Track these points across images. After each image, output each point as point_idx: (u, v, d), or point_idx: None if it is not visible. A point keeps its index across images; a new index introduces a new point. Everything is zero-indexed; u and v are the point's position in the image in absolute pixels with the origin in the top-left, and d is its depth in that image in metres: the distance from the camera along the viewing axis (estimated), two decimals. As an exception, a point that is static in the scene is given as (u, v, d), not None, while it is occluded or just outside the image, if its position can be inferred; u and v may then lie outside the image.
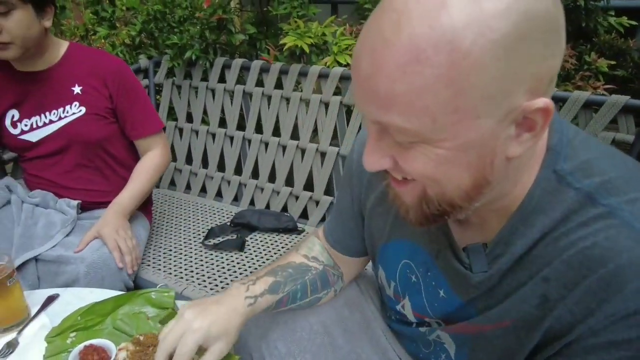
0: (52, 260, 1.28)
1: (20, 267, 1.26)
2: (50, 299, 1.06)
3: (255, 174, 2.03)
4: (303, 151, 1.90)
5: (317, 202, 1.90)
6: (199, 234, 1.79)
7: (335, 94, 1.80)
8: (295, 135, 1.92)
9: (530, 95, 0.48)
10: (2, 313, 0.95)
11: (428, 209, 0.57)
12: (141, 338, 0.87)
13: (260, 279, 0.85)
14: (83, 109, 1.40)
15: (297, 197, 1.95)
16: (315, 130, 1.89)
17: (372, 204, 0.84)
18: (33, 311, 1.02)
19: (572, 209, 0.55)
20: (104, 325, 0.93)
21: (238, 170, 2.08)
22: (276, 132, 1.97)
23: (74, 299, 1.07)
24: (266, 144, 1.98)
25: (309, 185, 1.92)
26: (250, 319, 0.93)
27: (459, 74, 0.44)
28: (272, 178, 2.00)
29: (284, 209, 1.98)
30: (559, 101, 1.44)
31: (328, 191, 1.88)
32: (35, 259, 1.29)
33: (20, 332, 0.96)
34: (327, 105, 1.81)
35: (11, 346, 0.92)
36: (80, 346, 0.86)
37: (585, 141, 0.60)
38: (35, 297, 1.06)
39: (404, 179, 0.57)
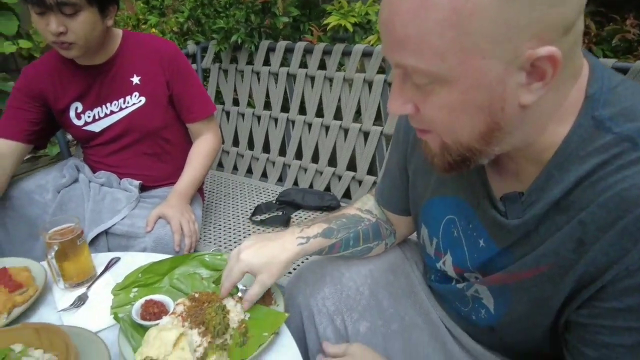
0: (121, 234, 1.37)
1: (92, 241, 1.36)
2: (113, 261, 1.15)
3: (299, 155, 2.07)
4: (346, 131, 1.91)
5: (360, 182, 1.91)
6: (247, 211, 1.85)
7: (379, 72, 1.79)
8: (338, 116, 1.94)
9: (538, 42, 0.49)
10: (73, 270, 1.03)
11: (450, 157, 0.61)
12: (196, 295, 0.93)
13: (315, 224, 0.91)
14: (143, 99, 1.47)
15: (340, 177, 1.96)
16: (358, 111, 1.90)
17: (416, 161, 0.85)
18: (98, 271, 1.11)
19: (611, 152, 0.55)
20: (162, 284, 1.00)
21: (282, 152, 2.12)
22: (319, 113, 1.99)
23: (133, 262, 1.15)
24: (309, 125, 2.01)
25: (351, 165, 1.93)
26: (300, 279, 0.98)
27: (462, 17, 0.48)
28: (315, 158, 2.03)
29: (327, 189, 2.01)
30: (621, 72, 1.37)
31: (371, 171, 1.89)
32: (106, 232, 1.38)
33: (89, 287, 1.05)
34: (370, 84, 1.81)
35: (82, 299, 1.00)
36: (142, 300, 0.92)
37: (631, 88, 0.59)
38: (99, 259, 1.15)
39: (424, 130, 0.61)
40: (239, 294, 0.96)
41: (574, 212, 0.58)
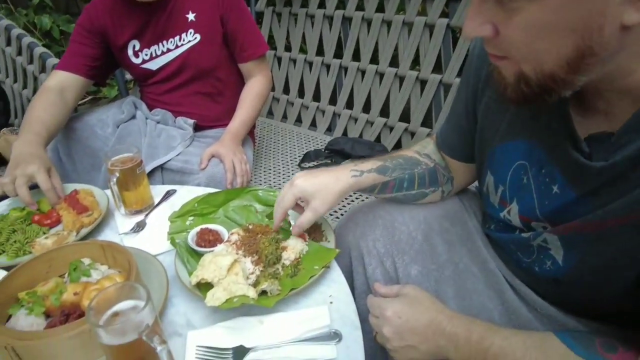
0: (176, 170, 1.42)
1: (148, 175, 1.40)
2: (170, 193, 1.18)
3: (349, 104, 2.02)
4: (402, 79, 1.83)
5: (413, 134, 1.84)
6: (295, 158, 1.84)
7: (441, 16, 1.67)
8: (394, 63, 1.85)
9: None
10: (133, 197, 1.08)
11: (527, 87, 0.55)
12: (250, 226, 0.94)
13: (370, 160, 0.88)
14: (198, 37, 1.46)
15: (391, 129, 1.90)
16: (416, 59, 1.80)
17: (487, 102, 0.79)
18: (156, 201, 1.15)
19: None
20: (217, 215, 1.02)
21: (333, 100, 2.08)
22: (374, 59, 1.91)
23: (189, 194, 1.18)
24: (363, 72, 1.93)
25: (405, 116, 1.86)
26: (350, 220, 0.96)
27: None
28: (366, 108, 1.98)
29: (377, 140, 1.96)
30: None
31: (426, 122, 1.81)
32: (161, 168, 1.43)
33: (147, 215, 1.09)
34: (431, 28, 1.70)
35: (141, 225, 1.05)
36: (197, 228, 0.95)
37: None
38: (157, 191, 1.19)
39: (500, 56, 0.55)
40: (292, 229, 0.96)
41: None
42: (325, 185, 0.84)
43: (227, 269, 0.80)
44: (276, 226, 0.89)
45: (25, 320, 0.72)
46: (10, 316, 0.75)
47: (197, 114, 1.58)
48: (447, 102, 1.71)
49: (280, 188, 1.59)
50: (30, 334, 0.67)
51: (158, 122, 1.56)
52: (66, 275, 0.84)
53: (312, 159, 1.80)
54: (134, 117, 1.55)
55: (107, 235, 1.04)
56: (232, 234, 0.92)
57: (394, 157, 0.91)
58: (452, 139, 0.92)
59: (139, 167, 1.06)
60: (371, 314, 0.76)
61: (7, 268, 0.89)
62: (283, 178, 1.70)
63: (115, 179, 1.01)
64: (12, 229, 1.01)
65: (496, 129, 0.78)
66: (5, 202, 1.13)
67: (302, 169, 1.75)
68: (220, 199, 1.03)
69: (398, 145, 1.89)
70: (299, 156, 1.85)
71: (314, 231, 0.95)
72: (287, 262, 0.85)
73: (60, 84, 1.40)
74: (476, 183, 1.08)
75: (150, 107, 1.61)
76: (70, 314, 0.74)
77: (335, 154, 1.83)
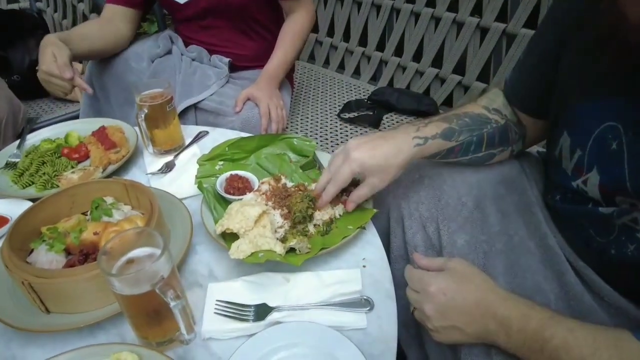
0: (210, 110, 1.35)
1: (181, 114, 1.35)
2: (201, 134, 1.12)
3: (399, 51, 1.85)
4: (460, 26, 1.63)
5: (467, 89, 1.67)
6: (335, 107, 1.73)
7: (515, -49, 1.45)
8: (453, 8, 1.65)
9: None
10: (162, 136, 1.02)
11: None
12: (282, 177, 0.87)
13: (433, 122, 0.77)
14: None
15: (443, 81, 1.74)
16: (478, 5, 1.59)
17: (577, 48, 0.65)
18: (187, 141, 1.09)
19: None
20: (249, 161, 0.95)
21: (381, 46, 1.91)
22: (430, 3, 1.71)
23: (221, 137, 1.11)
24: (417, 16, 1.75)
25: (459, 68, 1.69)
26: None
27: None
28: (417, 57, 1.80)
29: (426, 92, 1.80)
30: None
31: (482, 77, 1.63)
32: (195, 107, 1.37)
33: (176, 156, 1.04)
34: (501, -33, 1.48)
35: (169, 166, 1.00)
36: (227, 174, 0.88)
37: None
38: (189, 131, 1.13)
39: None
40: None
41: None
42: (385, 159, 0.74)
43: (255, 221, 0.74)
44: (324, 203, 0.78)
45: (46, 256, 0.69)
46: (32, 250, 0.73)
47: (232, 53, 1.49)
48: (508, 55, 1.52)
49: (316, 137, 1.51)
50: (48, 272, 0.64)
51: (193, 60, 1.48)
52: (89, 213, 0.80)
53: (352, 110, 1.68)
54: (169, 52, 1.47)
55: (135, 174, 1.00)
56: (262, 183, 0.86)
57: (460, 115, 0.79)
58: (524, 90, 0.79)
59: (169, 103, 0.99)
60: (409, 288, 0.68)
61: (34, 200, 0.87)
62: (320, 127, 1.61)
63: (143, 115, 0.95)
64: (42, 160, 0.98)
65: (582, 82, 0.65)
66: (37, 133, 1.11)
67: (342, 119, 1.64)
68: (253, 144, 0.95)
69: (449, 100, 1.73)
70: (339, 105, 1.73)
71: (350, 187, 0.86)
72: (320, 223, 0.78)
73: (108, 14, 1.38)
74: (537, 147, 0.95)
75: (186, 44, 1.53)
76: (90, 253, 0.70)
77: (378, 106, 1.70)
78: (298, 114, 1.68)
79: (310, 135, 1.55)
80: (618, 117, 0.59)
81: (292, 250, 0.73)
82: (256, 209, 0.74)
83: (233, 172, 0.88)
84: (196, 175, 0.89)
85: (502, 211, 0.80)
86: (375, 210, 0.80)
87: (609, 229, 0.64)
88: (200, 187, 0.84)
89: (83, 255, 0.70)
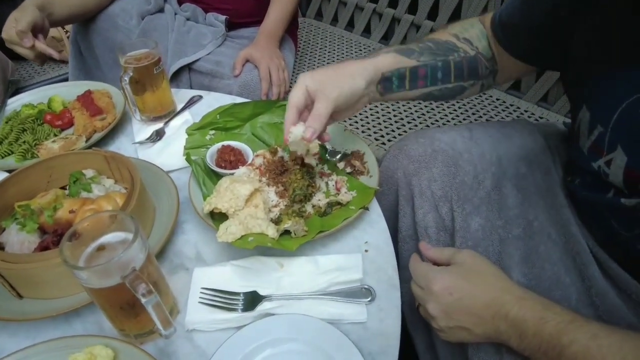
0: (205, 72, 1.25)
1: (174, 75, 1.26)
2: (194, 99, 1.03)
3: (412, 8, 1.70)
4: (482, -21, 1.48)
5: (486, 49, 1.54)
6: (342, 69, 1.61)
7: None
8: (475, -43, 1.49)
9: None
10: (151, 102, 0.94)
11: None
12: (279, 149, 0.79)
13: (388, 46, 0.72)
14: None
15: (460, 41, 1.60)
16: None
17: (600, 12, 0.54)
18: (178, 107, 1.00)
19: None
20: (243, 130, 0.86)
21: (393, 3, 1.76)
22: (450, -49, 1.54)
23: (217, 103, 1.02)
24: (435, -32, 1.59)
25: (479, 27, 1.54)
26: (402, 152, 0.78)
27: None
28: (432, 15, 1.66)
29: (441, 54, 1.67)
30: None
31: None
32: (189, 68, 1.27)
33: (166, 123, 0.96)
34: None
35: (159, 134, 0.92)
36: (219, 145, 0.81)
37: None
38: (181, 95, 1.04)
39: None
40: (329, 157, 0.80)
41: None
42: (334, 70, 0.68)
43: (246, 200, 0.67)
44: (286, 131, 0.68)
45: (17, 237, 0.64)
46: (4, 228, 0.67)
47: (229, 9, 1.37)
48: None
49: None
50: (16, 257, 0.58)
51: (188, 19, 1.36)
52: (68, 187, 0.74)
53: (361, 72, 1.57)
54: (161, 10, 1.36)
55: (122, 143, 0.92)
56: (257, 155, 0.78)
57: (422, 40, 0.73)
58: (513, 31, 0.70)
59: (157, 65, 0.90)
60: (414, 282, 0.61)
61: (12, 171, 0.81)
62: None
63: (127, 78, 0.87)
64: (22, 127, 0.91)
65: (607, 48, 0.55)
66: (18, 97, 1.03)
67: (350, 82, 1.53)
68: (248, 111, 0.86)
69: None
70: (347, 67, 1.61)
71: (354, 160, 0.78)
72: (321, 204, 0.70)
73: None
74: (564, 117, 0.85)
75: (180, 2, 1.41)
76: (64, 233, 0.64)
77: (389, 68, 1.57)
78: (303, 76, 1.57)
79: (315, 100, 1.45)
80: None
81: (286, 232, 0.66)
82: (247, 186, 0.67)
83: (225, 143, 0.80)
84: (184, 146, 0.81)
85: (523, 192, 0.71)
86: (377, 188, 0.72)
87: (634, 223, 0.55)
88: (188, 160, 0.77)
89: (58, 236, 0.64)
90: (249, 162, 0.77)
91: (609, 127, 0.55)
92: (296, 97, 0.68)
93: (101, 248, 0.52)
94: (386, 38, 1.83)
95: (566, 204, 0.70)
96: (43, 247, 0.63)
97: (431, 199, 0.73)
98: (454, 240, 0.71)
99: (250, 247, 0.60)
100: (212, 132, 0.84)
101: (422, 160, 0.76)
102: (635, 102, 0.52)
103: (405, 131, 1.29)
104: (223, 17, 1.33)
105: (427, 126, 1.31)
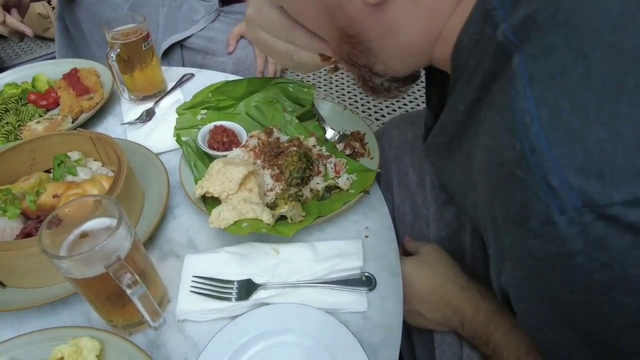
0: (198, 49, 1.20)
1: (166, 53, 1.21)
2: (186, 77, 0.99)
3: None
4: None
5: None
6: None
7: None
8: None
9: None
10: (140, 80, 0.89)
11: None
12: (275, 129, 0.75)
13: None
14: None
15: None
16: None
17: None
18: (169, 86, 0.96)
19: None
20: (237, 110, 0.82)
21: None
22: None
23: (209, 82, 0.97)
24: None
25: None
26: (385, 135, 0.76)
27: None
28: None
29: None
30: None
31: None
32: (181, 45, 1.22)
33: (157, 103, 0.91)
34: None
35: (149, 114, 0.88)
36: (211, 125, 0.77)
37: None
38: (172, 74, 1.00)
39: None
40: (329, 137, 0.76)
41: None
42: None
43: (239, 183, 0.63)
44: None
45: (-3, 223, 0.60)
46: (-16, 214, 0.63)
47: None
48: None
49: (317, 83, 1.36)
50: (-5, 244, 0.55)
51: (179, -8, 1.30)
52: (52, 170, 0.70)
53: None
54: (152, -16, 1.30)
55: (110, 124, 0.88)
56: (251, 136, 0.74)
57: None
58: None
59: (145, 41, 0.85)
60: None
61: (-6, 154, 0.77)
62: (323, 70, 1.45)
63: (114, 55, 0.82)
64: (5, 108, 0.87)
65: None
66: (0, 75, 0.98)
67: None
68: (242, 89, 0.82)
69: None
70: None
71: (353, 142, 0.74)
72: (319, 187, 0.67)
73: None
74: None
75: None
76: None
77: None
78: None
79: (310, 80, 1.40)
80: None
81: (283, 218, 0.62)
82: (241, 169, 0.63)
83: (217, 123, 0.77)
84: (175, 127, 0.77)
85: None
86: (377, 171, 0.68)
87: None
88: (178, 141, 0.73)
89: (40, 222, 0.60)
90: (243, 143, 0.73)
91: None
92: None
93: (84, 235, 0.49)
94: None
95: None
96: (25, 234, 0.59)
97: (408, 186, 0.72)
98: (429, 229, 0.69)
99: (245, 234, 0.57)
100: (204, 111, 0.80)
101: (401, 147, 0.75)
102: None
103: (407, 110, 1.25)
104: None
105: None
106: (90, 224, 0.49)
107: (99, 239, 0.48)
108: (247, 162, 0.68)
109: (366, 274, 0.59)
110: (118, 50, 0.82)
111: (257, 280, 0.58)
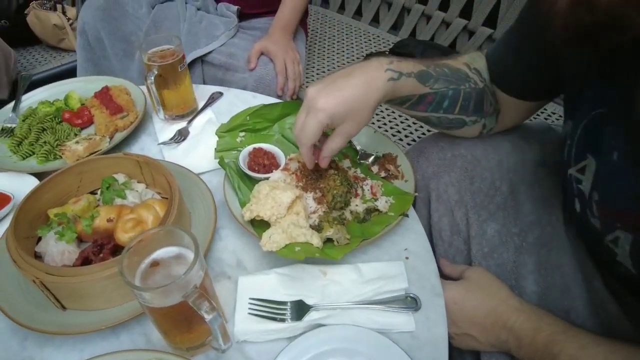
0: (219, 64, 1.22)
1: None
2: (215, 96, 1.01)
3: (424, -2, 1.68)
4: (496, -30, 1.46)
5: (497, 42, 1.53)
6: (354, 59, 1.59)
7: None
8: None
9: None
10: (174, 99, 0.92)
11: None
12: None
13: (407, 60, 0.65)
14: None
15: (471, 34, 1.59)
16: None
17: None
18: (199, 105, 0.98)
19: None
20: (272, 132, 0.85)
21: (403, -9, 1.73)
22: (464, -60, 1.52)
23: (237, 101, 1.01)
24: (447, -43, 1.56)
25: (491, 21, 1.53)
26: (422, 153, 0.79)
27: None
28: (444, 5, 1.64)
29: (452, 45, 1.65)
30: None
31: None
32: (202, 60, 1.24)
33: (189, 122, 0.94)
34: None
35: (182, 134, 0.90)
36: (250, 147, 0.79)
37: None
38: (200, 92, 1.02)
39: None
40: (360, 160, 0.79)
41: None
42: (355, 101, 0.61)
43: (287, 207, 0.66)
44: (310, 165, 0.69)
45: (56, 247, 0.62)
46: (40, 237, 0.65)
47: None
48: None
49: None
50: (62, 270, 0.57)
51: (198, 9, 1.32)
52: (99, 192, 0.72)
53: (373, 64, 1.55)
54: (170, -1, 1.32)
55: (145, 143, 0.90)
56: (290, 159, 0.77)
57: (439, 64, 0.68)
58: (509, 65, 0.68)
59: (181, 63, 0.88)
60: None
61: (36, 174, 0.79)
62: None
63: (153, 77, 0.84)
64: (42, 127, 0.88)
65: (581, 63, 0.54)
66: (32, 93, 0.99)
67: (362, 74, 1.51)
68: (276, 112, 0.85)
69: (476, 55, 1.59)
70: (358, 57, 1.59)
71: (387, 164, 0.78)
72: (359, 209, 0.70)
73: None
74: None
75: None
76: (105, 243, 0.63)
77: (400, 59, 1.56)
78: (313, 67, 1.55)
79: (328, 93, 1.43)
80: (604, 102, 0.51)
81: (328, 240, 0.66)
82: (288, 194, 0.66)
83: (256, 146, 0.79)
84: (215, 149, 0.79)
85: (540, 198, 0.71)
86: (415, 194, 0.72)
87: (600, 246, 0.55)
88: (222, 163, 0.76)
89: (98, 246, 0.62)
90: (282, 165, 0.76)
91: (575, 141, 0.57)
92: (312, 135, 0.63)
93: (154, 264, 0.51)
94: (395, 28, 1.81)
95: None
96: (84, 257, 0.62)
97: (447, 203, 0.74)
98: (470, 246, 0.72)
99: (301, 258, 0.60)
100: (242, 134, 0.83)
101: (441, 164, 0.77)
102: (596, 117, 0.52)
103: (422, 136, 1.28)
104: (235, 8, 1.30)
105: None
106: (160, 253, 0.52)
107: (171, 268, 0.51)
108: (290, 184, 0.71)
109: (411, 294, 0.62)
110: (156, 72, 0.84)
111: (308, 301, 0.61)
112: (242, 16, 1.34)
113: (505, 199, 0.71)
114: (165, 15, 1.24)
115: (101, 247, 0.62)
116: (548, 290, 0.64)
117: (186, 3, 1.31)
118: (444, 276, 0.68)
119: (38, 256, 0.64)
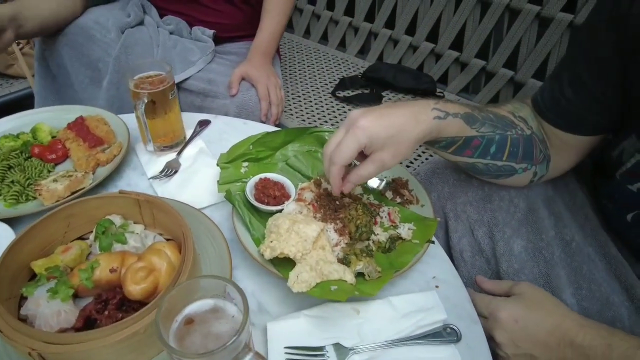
0: (197, 91, 1.16)
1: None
2: (203, 124, 0.95)
3: (390, 23, 1.72)
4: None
5: (464, 66, 1.59)
6: (327, 84, 1.59)
7: None
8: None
9: None
10: (161, 129, 0.84)
11: None
12: (322, 180, 0.74)
13: (454, 102, 0.64)
14: None
15: (439, 57, 1.64)
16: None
17: None
18: (187, 134, 0.91)
19: None
20: (274, 160, 0.80)
21: (370, 17, 1.77)
22: (426, -31, 1.58)
23: (228, 128, 0.95)
24: (412, -16, 1.62)
25: (457, 44, 1.60)
26: (435, 174, 0.78)
27: None
28: (411, 30, 1.69)
29: (419, 69, 1.70)
30: None
31: (481, 54, 1.56)
32: (178, 87, 1.17)
33: (179, 153, 0.86)
34: None
35: (173, 167, 0.83)
36: (256, 178, 0.74)
37: None
38: (185, 120, 0.94)
39: None
40: (371, 186, 0.77)
41: None
42: (400, 130, 0.58)
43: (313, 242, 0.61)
44: (337, 189, 0.63)
45: (49, 307, 0.52)
46: (24, 297, 0.55)
47: (215, 22, 1.29)
48: (510, 32, 1.45)
49: (314, 119, 1.37)
50: (63, 337, 0.48)
51: (171, 33, 1.26)
52: (90, 237, 0.63)
53: (347, 87, 1.55)
54: (141, 23, 1.24)
55: (131, 178, 0.82)
56: (302, 189, 0.72)
57: (483, 109, 0.68)
58: (566, 101, 0.66)
59: (172, 91, 0.81)
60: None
61: (6, 220, 0.68)
62: (317, 109, 1.46)
63: (143, 107, 0.77)
64: (8, 164, 0.77)
65: None
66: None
67: (337, 97, 1.51)
68: (279, 140, 0.80)
69: (444, 78, 1.65)
70: (330, 82, 1.59)
71: (400, 189, 0.76)
72: (382, 239, 0.67)
73: None
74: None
75: (161, 15, 1.30)
76: (109, 298, 0.54)
77: (372, 83, 1.58)
78: (288, 92, 1.52)
79: (308, 116, 1.41)
80: None
81: (358, 274, 0.61)
82: (313, 227, 0.62)
83: (262, 176, 0.74)
84: (218, 181, 0.73)
85: (555, 213, 0.73)
86: (438, 219, 0.70)
87: None
88: (229, 197, 0.69)
89: (102, 302, 0.54)
90: (293, 196, 0.72)
91: None
92: (347, 155, 0.58)
93: (189, 321, 0.44)
94: (362, 52, 1.84)
95: (599, 225, 0.73)
96: (86, 317, 0.53)
97: (466, 223, 0.74)
98: (499, 265, 0.71)
99: (343, 300, 0.55)
100: (246, 164, 0.77)
101: (457, 184, 0.76)
102: None
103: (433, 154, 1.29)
104: (210, 32, 1.25)
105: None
106: (193, 308, 0.45)
107: (209, 325, 0.44)
108: (310, 217, 0.66)
109: (450, 325, 0.59)
110: (146, 100, 0.77)
111: (345, 343, 0.56)
112: (216, 40, 1.29)
113: (525, 215, 0.72)
114: (136, 40, 1.16)
115: (106, 303, 0.54)
116: (587, 303, 0.65)
117: (158, 27, 1.24)
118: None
119: (23, 320, 0.54)
